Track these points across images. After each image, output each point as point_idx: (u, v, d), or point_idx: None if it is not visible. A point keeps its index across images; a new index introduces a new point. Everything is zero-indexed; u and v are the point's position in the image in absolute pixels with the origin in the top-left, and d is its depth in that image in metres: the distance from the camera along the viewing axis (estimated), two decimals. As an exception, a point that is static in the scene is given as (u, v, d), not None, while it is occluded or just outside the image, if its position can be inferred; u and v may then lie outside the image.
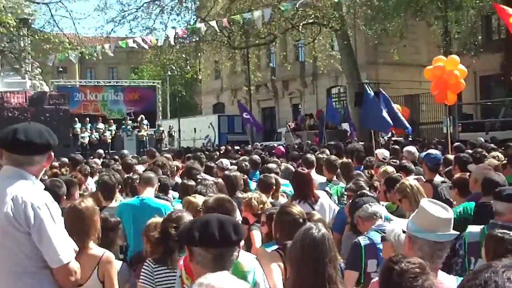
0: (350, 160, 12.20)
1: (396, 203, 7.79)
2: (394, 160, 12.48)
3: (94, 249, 5.28)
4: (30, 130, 4.18)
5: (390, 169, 10.18)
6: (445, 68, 15.35)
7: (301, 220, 5.49)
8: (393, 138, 24.08)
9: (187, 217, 5.19)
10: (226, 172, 9.81)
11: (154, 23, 36.64)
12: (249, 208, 7.03)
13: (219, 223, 3.51)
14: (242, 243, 4.14)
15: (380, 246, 5.56)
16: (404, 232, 4.49)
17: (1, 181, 4.12)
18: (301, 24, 34.12)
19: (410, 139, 26.24)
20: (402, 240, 4.67)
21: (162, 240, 5.11)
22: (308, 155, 12.51)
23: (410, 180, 7.81)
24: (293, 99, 54.98)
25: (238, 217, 5.76)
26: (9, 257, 3.98)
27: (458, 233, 4.42)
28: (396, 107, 23.57)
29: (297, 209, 5.85)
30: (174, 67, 44.19)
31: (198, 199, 6.27)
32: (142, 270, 5.13)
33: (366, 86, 19.42)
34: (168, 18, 37.43)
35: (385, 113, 17.39)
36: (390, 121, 17.53)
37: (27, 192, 3.98)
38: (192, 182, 8.82)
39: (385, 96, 18.34)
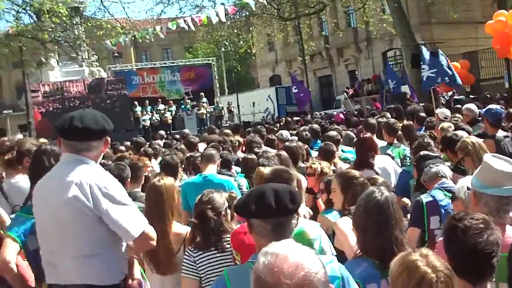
0: (411, 122, 12.08)
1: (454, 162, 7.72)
2: (456, 119, 12.30)
3: (177, 227, 5.47)
4: (86, 116, 4.29)
5: (446, 124, 10.08)
6: (507, 23, 15.01)
7: (364, 181, 5.53)
8: (454, 97, 23.67)
9: (218, 196, 5.16)
10: (287, 143, 9.84)
11: (202, 1, 36.76)
12: (321, 175, 7.06)
13: (274, 193, 3.46)
14: (302, 209, 4.12)
15: (442, 203, 5.66)
16: (468, 188, 4.47)
17: (63, 168, 4.26)
18: (350, -11, 33.77)
19: (472, 96, 25.78)
20: None
21: (200, 223, 5.06)
22: (369, 119, 12.45)
23: (472, 138, 7.70)
24: (349, 66, 54.58)
25: (305, 183, 5.79)
26: (77, 241, 4.13)
27: (526, 186, 4.34)
28: (454, 64, 23.17)
29: (358, 172, 5.89)
30: (227, 43, 44.26)
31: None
32: (184, 261, 5.03)
33: (423, 47, 19.08)
34: (216, -6, 37.35)
35: (447, 68, 17.15)
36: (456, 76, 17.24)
37: (90, 175, 4.11)
38: (253, 156, 8.88)
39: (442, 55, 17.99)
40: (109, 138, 4.42)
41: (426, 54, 17.79)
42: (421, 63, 17.47)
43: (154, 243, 4.30)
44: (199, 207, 5.10)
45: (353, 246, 4.96)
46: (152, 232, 4.29)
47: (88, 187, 4.04)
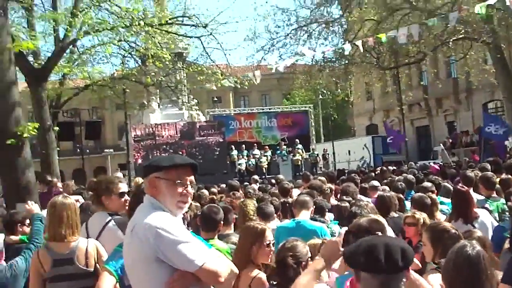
0: (509, 176, 11.77)
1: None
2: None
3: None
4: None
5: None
6: None
7: (456, 234, 5.46)
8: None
9: (301, 246, 5.12)
10: (380, 192, 9.79)
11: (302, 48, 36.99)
12: (423, 227, 6.92)
13: (385, 248, 3.32)
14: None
15: None
16: None
17: (136, 210, 4.32)
18: (451, 40, 33.30)
19: None
20: None
21: (279, 269, 4.99)
22: (467, 172, 12.21)
23: None
24: (448, 116, 53.75)
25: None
26: (140, 282, 4.11)
27: None
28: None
29: (449, 224, 5.78)
30: (324, 91, 44.40)
31: None
32: None
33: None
34: (316, 43, 37.61)
35: None
36: None
37: (151, 219, 4.02)
38: (346, 204, 8.87)
39: None
40: (154, 176, 4.23)
41: None
42: None
43: (221, 279, 4.08)
44: (280, 254, 5.06)
45: None
46: (218, 267, 4.10)
47: (146, 230, 3.98)
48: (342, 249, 4.10)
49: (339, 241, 4.13)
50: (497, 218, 9.22)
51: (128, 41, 26.02)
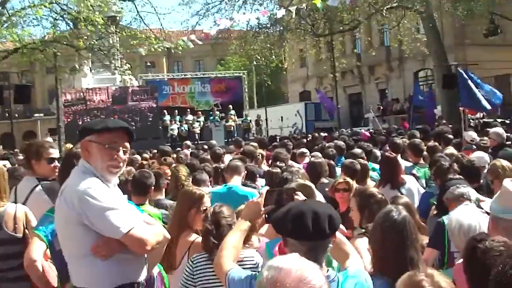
0: (436, 143, 12.04)
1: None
2: (484, 142, 12.21)
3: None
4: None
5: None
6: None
7: (382, 199, 5.58)
8: (483, 120, 23.41)
9: (228, 210, 5.13)
10: (313, 159, 9.88)
11: (237, 13, 36.80)
12: (350, 193, 6.99)
13: (313, 215, 3.37)
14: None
15: None
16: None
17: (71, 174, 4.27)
18: (385, 8, 33.57)
19: (501, 120, 25.51)
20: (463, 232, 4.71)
21: (216, 230, 4.97)
22: (395, 139, 12.45)
23: (502, 161, 7.63)
24: (380, 84, 54.34)
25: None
26: (68, 244, 4.10)
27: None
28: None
29: (376, 189, 5.87)
30: (259, 57, 44.36)
31: None
32: (184, 272, 4.97)
33: (460, 69, 19.21)
34: (251, 8, 37.35)
35: (479, 93, 17.25)
36: (486, 103, 17.34)
37: (80, 184, 3.98)
38: (277, 169, 8.92)
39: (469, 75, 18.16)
40: (87, 139, 4.19)
41: (462, 76, 17.88)
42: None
43: (148, 247, 4.06)
44: (215, 216, 5.07)
45: (367, 267, 4.98)
46: (145, 234, 4.05)
47: (73, 194, 3.96)
48: (263, 209, 4.12)
49: (260, 202, 4.14)
50: (424, 185, 9.42)
51: (59, 3, 25.45)
